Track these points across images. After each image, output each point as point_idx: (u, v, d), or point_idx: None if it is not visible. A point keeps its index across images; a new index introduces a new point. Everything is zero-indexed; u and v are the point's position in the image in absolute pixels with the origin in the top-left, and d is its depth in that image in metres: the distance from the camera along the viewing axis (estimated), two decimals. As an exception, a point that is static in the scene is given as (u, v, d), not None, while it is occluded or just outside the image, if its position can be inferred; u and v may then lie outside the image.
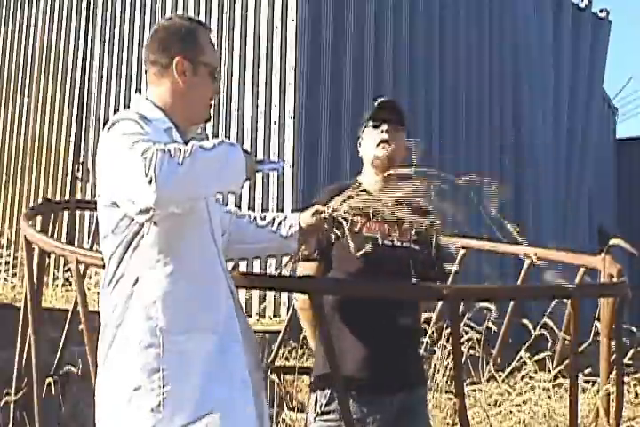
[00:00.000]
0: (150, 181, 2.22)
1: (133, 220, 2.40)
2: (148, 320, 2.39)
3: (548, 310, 4.85)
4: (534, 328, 4.96)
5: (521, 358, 4.89)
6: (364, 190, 2.99)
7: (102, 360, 2.47)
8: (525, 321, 4.93)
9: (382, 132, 3.16)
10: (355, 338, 2.98)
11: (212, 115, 2.71)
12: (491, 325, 4.96)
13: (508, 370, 4.88)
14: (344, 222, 2.81)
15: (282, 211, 7.58)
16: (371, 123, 3.20)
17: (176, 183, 2.25)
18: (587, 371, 4.45)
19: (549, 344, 5.00)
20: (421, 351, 3.43)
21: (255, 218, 2.92)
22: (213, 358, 2.43)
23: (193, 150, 2.30)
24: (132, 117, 2.47)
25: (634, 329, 5.15)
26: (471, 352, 4.84)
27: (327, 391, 2.99)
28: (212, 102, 2.68)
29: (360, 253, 2.89)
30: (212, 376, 2.41)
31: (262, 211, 7.66)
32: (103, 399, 2.45)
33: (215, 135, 8.31)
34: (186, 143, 2.55)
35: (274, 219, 2.92)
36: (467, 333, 4.84)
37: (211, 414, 2.37)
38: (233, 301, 2.57)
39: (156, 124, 2.51)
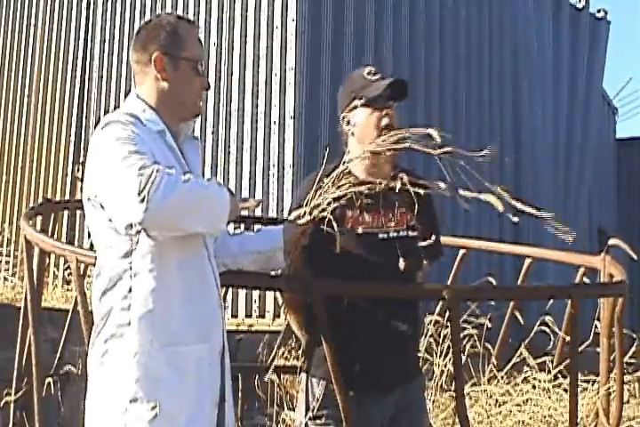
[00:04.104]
0: (142, 200, 2.20)
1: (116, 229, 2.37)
2: (144, 331, 2.37)
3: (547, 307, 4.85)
4: (532, 326, 4.96)
5: (521, 353, 4.88)
6: (349, 173, 2.81)
7: (96, 368, 2.44)
8: (517, 314, 4.90)
9: (386, 115, 2.89)
10: (350, 335, 2.87)
11: (201, 110, 2.66)
12: (488, 323, 4.96)
13: (508, 366, 4.87)
14: (331, 218, 2.69)
15: (282, 211, 7.58)
16: (364, 101, 2.89)
17: (168, 209, 2.24)
18: (586, 371, 4.45)
19: (550, 343, 5.00)
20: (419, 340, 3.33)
21: (242, 233, 2.90)
22: (205, 369, 2.43)
23: (191, 182, 2.28)
24: (126, 120, 2.44)
25: (634, 335, 5.15)
26: (470, 350, 4.83)
27: (318, 393, 2.89)
28: (201, 97, 2.62)
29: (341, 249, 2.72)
30: (203, 390, 2.42)
31: (262, 211, 7.66)
32: (95, 408, 2.43)
33: (215, 135, 8.32)
34: (178, 146, 2.56)
35: (259, 231, 2.90)
36: (464, 329, 4.82)
37: None
38: (221, 308, 2.55)
39: (149, 125, 2.49)
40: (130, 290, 2.39)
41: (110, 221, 2.37)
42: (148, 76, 2.58)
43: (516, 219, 2.63)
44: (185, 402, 2.38)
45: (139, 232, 2.30)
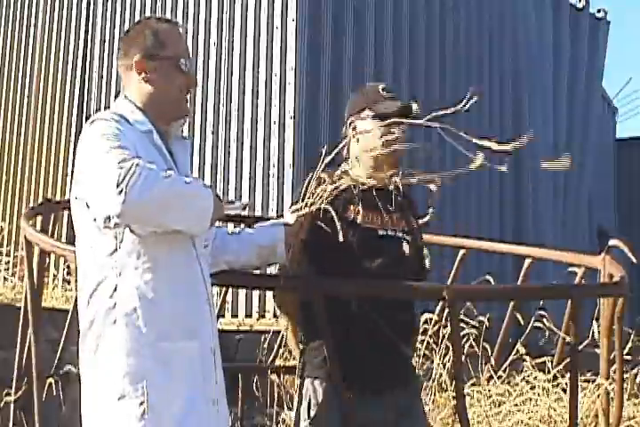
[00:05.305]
0: (120, 192, 2.21)
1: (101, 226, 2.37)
2: (129, 328, 2.38)
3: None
4: (528, 323, 4.97)
5: (518, 351, 4.89)
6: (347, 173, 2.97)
7: (86, 368, 2.46)
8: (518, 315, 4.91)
9: (400, 131, 2.97)
10: (347, 337, 2.87)
11: (188, 109, 2.67)
12: (486, 321, 4.97)
13: (506, 364, 4.87)
14: (331, 209, 2.74)
15: (282, 211, 7.58)
16: (375, 114, 3.00)
17: (145, 203, 2.24)
18: (586, 371, 4.45)
19: (546, 338, 5.01)
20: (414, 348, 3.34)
21: (242, 230, 2.92)
22: (196, 367, 2.43)
23: (172, 178, 2.29)
24: (112, 118, 2.48)
25: (630, 331, 5.17)
26: (470, 350, 4.83)
27: (319, 395, 2.89)
28: (186, 95, 2.63)
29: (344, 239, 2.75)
30: (195, 388, 2.41)
31: (262, 211, 7.67)
32: (89, 407, 2.44)
33: (215, 135, 8.32)
34: (167, 146, 2.57)
35: (257, 226, 2.92)
36: (463, 328, 4.82)
37: None
38: (209, 306, 2.55)
39: (136, 125, 2.51)
40: (115, 288, 2.40)
41: (95, 220, 2.37)
42: (132, 79, 2.61)
43: (504, 168, 2.72)
44: (175, 398, 2.37)
45: (117, 225, 2.30)
